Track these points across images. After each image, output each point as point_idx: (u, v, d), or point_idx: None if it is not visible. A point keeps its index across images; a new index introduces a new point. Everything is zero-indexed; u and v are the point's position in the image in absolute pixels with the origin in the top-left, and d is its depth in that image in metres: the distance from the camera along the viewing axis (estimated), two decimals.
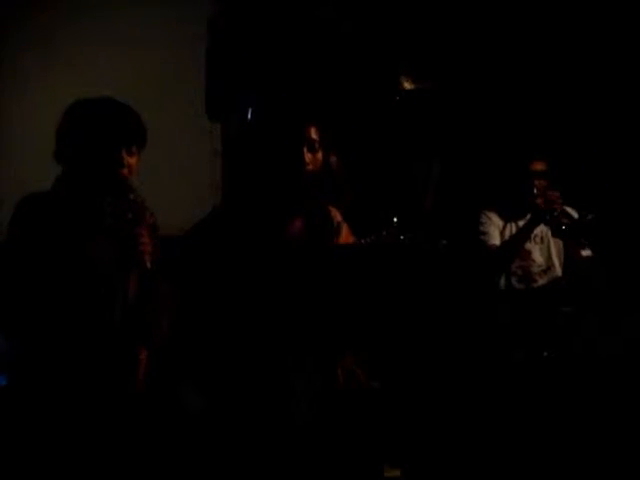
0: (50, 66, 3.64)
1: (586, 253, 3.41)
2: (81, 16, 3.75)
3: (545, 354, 3.25)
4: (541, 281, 3.47)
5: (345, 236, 2.39)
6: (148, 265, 2.16)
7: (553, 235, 3.42)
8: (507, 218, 3.46)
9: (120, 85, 3.16)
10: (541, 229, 3.44)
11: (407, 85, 3.84)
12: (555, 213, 3.24)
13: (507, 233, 3.45)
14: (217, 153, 3.87)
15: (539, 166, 3.40)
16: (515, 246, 3.39)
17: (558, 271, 3.49)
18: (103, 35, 3.73)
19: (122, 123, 2.23)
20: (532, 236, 3.44)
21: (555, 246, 3.49)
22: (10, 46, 3.62)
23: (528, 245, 3.44)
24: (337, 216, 2.40)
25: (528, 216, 3.37)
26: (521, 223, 3.41)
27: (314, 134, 2.27)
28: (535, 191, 3.31)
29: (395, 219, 2.77)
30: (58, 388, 2.16)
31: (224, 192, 3.79)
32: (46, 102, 3.41)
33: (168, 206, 3.14)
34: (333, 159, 2.29)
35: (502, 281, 3.44)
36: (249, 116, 3.46)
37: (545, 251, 3.49)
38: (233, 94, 3.72)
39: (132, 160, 2.24)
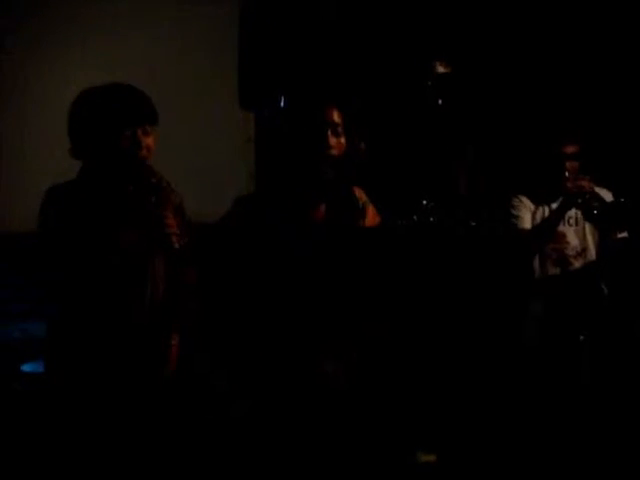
0: (83, 57, 3.70)
1: (621, 235, 3.38)
2: (117, 6, 3.80)
3: (582, 337, 3.24)
4: (576, 264, 3.44)
5: (371, 216, 2.38)
6: (176, 245, 2.17)
7: (584, 219, 3.39)
8: (539, 201, 3.43)
9: (155, 77, 3.21)
10: (575, 211, 3.40)
11: (440, 69, 3.84)
12: (586, 197, 3.21)
13: (539, 217, 3.42)
14: (250, 141, 3.92)
15: (571, 148, 3.36)
16: (546, 230, 3.36)
17: (593, 254, 3.45)
18: (138, 27, 3.79)
19: (128, 103, 2.21)
20: (566, 218, 3.41)
21: (590, 228, 3.45)
22: (47, 37, 3.68)
23: (562, 228, 3.41)
24: (362, 196, 2.40)
25: (560, 199, 3.34)
26: (553, 206, 3.38)
27: (337, 117, 2.25)
28: (567, 174, 3.29)
29: (424, 202, 2.78)
30: (91, 373, 2.20)
31: (258, 179, 3.83)
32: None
33: (203, 194, 3.21)
34: (361, 145, 2.29)
35: (537, 265, 3.43)
36: (281, 103, 3.49)
37: (580, 233, 3.46)
38: (265, 83, 3.76)
39: (149, 140, 2.23)
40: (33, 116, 3.67)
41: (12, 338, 3.43)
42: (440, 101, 3.75)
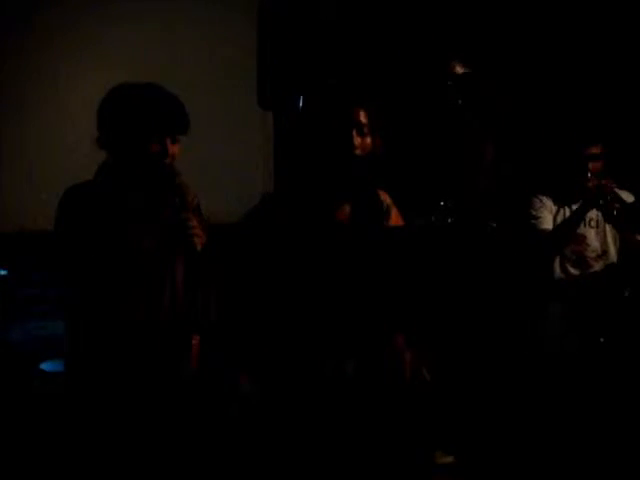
0: (101, 55, 3.71)
1: None
2: (137, 6, 3.81)
3: (601, 340, 3.22)
4: (596, 266, 3.42)
5: (394, 219, 2.38)
6: (198, 248, 2.17)
7: (605, 220, 3.37)
8: (561, 202, 3.42)
9: (174, 76, 3.21)
10: (596, 213, 3.39)
11: (459, 69, 3.83)
12: (607, 198, 3.20)
13: (560, 217, 3.40)
14: (269, 140, 3.91)
15: (594, 149, 3.35)
16: (567, 231, 3.35)
17: (613, 256, 3.44)
18: (158, 26, 3.80)
19: (167, 111, 2.19)
20: (587, 220, 3.40)
21: (611, 231, 3.44)
22: (62, 34, 3.69)
23: (583, 229, 3.40)
24: (386, 199, 2.40)
25: (581, 200, 3.33)
26: (575, 207, 3.37)
27: (363, 118, 2.24)
28: (589, 175, 3.27)
29: (442, 203, 2.76)
30: (111, 374, 2.21)
31: (276, 179, 3.83)
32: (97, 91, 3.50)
33: (221, 194, 3.21)
34: (378, 142, 2.28)
35: (557, 266, 3.42)
36: (300, 103, 3.49)
37: (601, 235, 3.44)
38: (284, 83, 3.76)
39: (175, 148, 2.21)
40: (61, 112, 3.68)
41: (32, 336, 3.45)
42: (460, 101, 3.74)
